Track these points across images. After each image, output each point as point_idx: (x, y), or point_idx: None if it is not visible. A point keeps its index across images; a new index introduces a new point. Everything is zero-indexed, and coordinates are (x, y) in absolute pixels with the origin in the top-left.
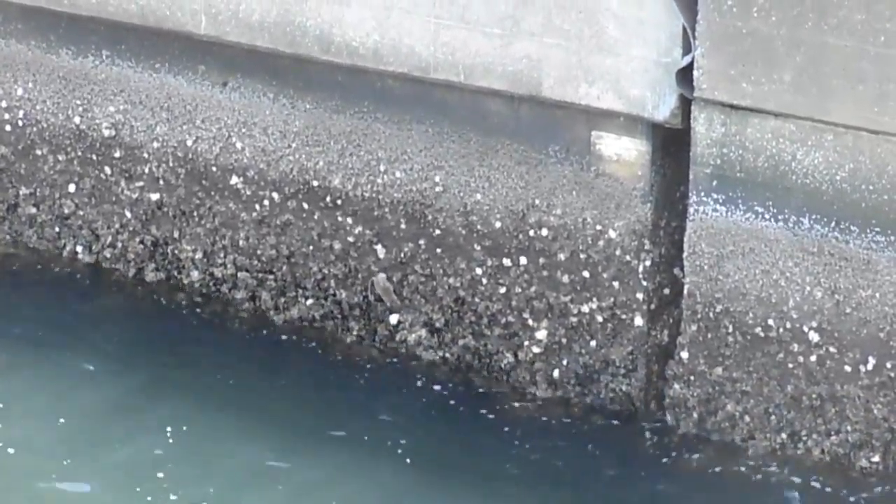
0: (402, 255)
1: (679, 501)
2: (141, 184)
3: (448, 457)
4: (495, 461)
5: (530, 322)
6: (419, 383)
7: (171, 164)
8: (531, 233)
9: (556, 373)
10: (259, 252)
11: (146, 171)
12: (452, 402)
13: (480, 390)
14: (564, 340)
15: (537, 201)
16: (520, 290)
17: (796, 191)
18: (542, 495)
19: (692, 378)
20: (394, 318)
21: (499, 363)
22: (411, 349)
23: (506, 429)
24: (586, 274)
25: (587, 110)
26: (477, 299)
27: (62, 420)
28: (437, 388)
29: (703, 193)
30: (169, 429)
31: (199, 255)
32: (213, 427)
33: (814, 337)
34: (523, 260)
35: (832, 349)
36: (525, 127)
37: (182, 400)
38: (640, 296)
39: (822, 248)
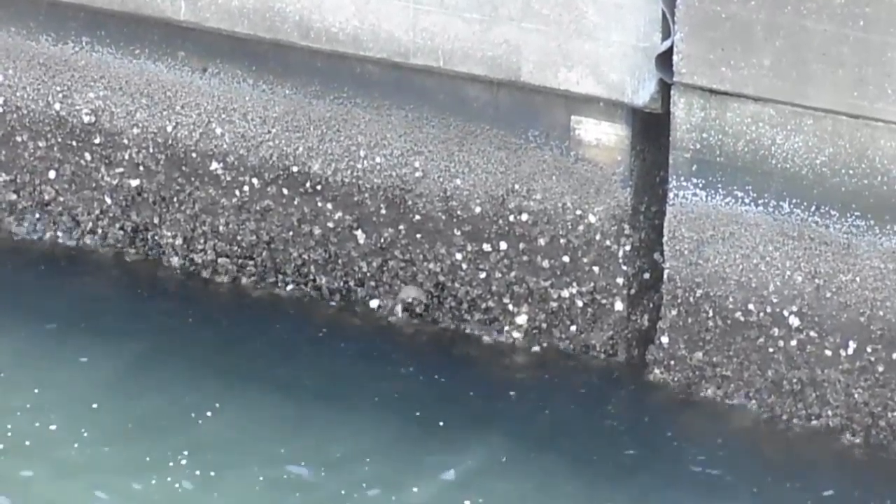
0: (382, 240)
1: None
2: (121, 170)
3: (433, 414)
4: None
5: (510, 307)
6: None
7: (150, 150)
8: (511, 218)
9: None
10: (239, 238)
11: (126, 157)
12: (433, 364)
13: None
14: (545, 325)
15: (517, 186)
16: (500, 275)
17: (776, 175)
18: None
19: (672, 363)
20: (374, 304)
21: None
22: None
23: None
24: (566, 259)
25: (566, 95)
26: (457, 284)
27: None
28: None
29: (682, 178)
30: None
31: (179, 241)
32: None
33: (794, 321)
34: (503, 245)
35: (812, 333)
36: (504, 112)
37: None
38: (620, 280)
39: (803, 232)
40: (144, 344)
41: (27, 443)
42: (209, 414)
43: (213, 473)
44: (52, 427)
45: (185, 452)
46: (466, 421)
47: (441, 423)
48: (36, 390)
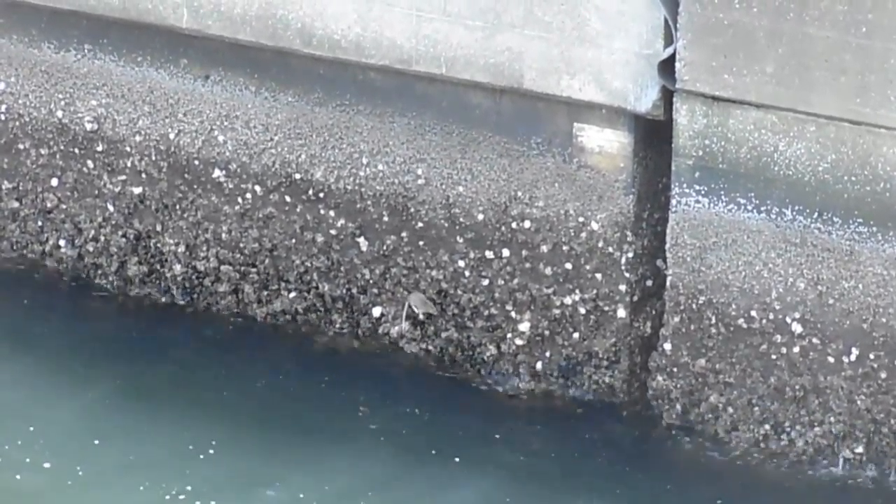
0: (385, 247)
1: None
2: (123, 177)
3: (432, 445)
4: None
5: (513, 314)
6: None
7: (153, 158)
8: (514, 225)
9: (538, 365)
10: (242, 245)
11: (128, 164)
12: (435, 390)
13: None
14: (547, 332)
15: (520, 193)
16: (502, 282)
17: (779, 182)
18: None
19: (675, 370)
20: (377, 311)
21: (482, 356)
22: (394, 342)
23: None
24: (569, 266)
25: (569, 102)
26: (460, 292)
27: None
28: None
29: (685, 185)
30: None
31: (181, 249)
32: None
33: (797, 328)
34: (506, 252)
35: (815, 340)
36: (507, 119)
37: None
38: (622, 287)
39: (805, 239)
40: (144, 376)
41: (18, 476)
42: (206, 453)
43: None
44: (47, 465)
45: (187, 489)
46: (466, 451)
47: (444, 432)
48: (31, 427)
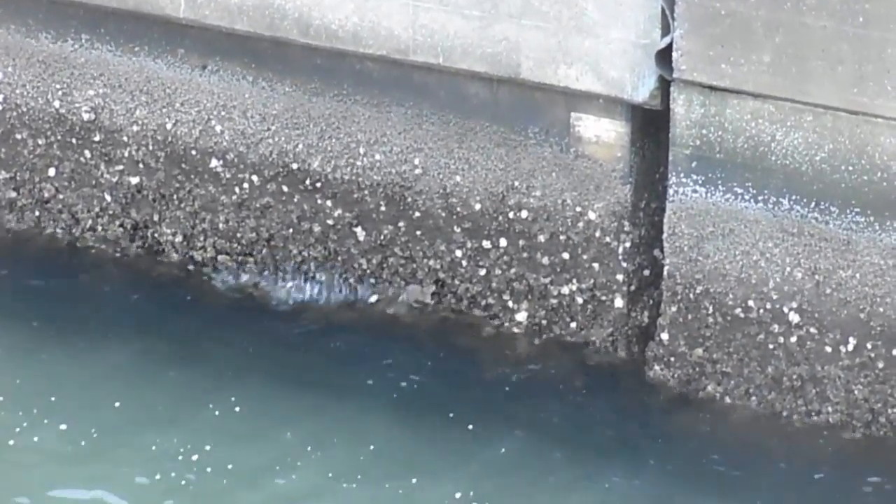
0: (382, 237)
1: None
2: (121, 167)
3: (437, 415)
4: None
5: (510, 304)
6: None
7: (150, 148)
8: (511, 215)
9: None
10: (239, 235)
11: (126, 154)
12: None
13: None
14: (545, 322)
15: (517, 183)
16: (500, 271)
17: (776, 171)
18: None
19: (672, 359)
20: (373, 299)
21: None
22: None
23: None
24: (566, 255)
25: (566, 92)
26: (457, 281)
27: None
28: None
29: (682, 174)
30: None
31: (178, 239)
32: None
33: (794, 318)
34: (503, 242)
35: (812, 330)
36: (504, 109)
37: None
38: (619, 277)
39: (802, 228)
40: (150, 341)
41: (35, 439)
42: (215, 408)
43: (209, 469)
44: (63, 427)
45: (189, 447)
46: (474, 414)
47: (450, 417)
48: (52, 397)
